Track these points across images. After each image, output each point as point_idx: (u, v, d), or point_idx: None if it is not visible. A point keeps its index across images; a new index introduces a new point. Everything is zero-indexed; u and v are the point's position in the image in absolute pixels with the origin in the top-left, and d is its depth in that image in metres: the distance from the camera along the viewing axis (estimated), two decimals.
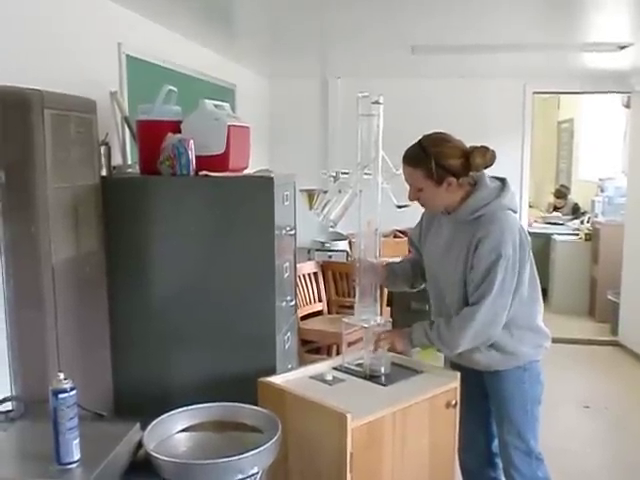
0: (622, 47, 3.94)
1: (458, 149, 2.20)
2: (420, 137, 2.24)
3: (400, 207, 2.46)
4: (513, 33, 3.70)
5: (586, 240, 6.84)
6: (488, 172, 2.27)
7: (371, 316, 2.43)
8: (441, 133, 2.24)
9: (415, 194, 2.27)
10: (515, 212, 2.28)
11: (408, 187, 2.27)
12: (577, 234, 7.05)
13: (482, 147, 2.19)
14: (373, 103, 2.30)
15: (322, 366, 2.49)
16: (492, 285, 2.15)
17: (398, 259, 2.68)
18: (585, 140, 8.38)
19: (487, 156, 2.18)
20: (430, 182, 2.20)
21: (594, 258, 6.63)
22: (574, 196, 8.20)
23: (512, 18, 3.30)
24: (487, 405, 2.46)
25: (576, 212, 7.84)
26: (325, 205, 2.38)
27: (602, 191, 7.00)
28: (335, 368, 2.45)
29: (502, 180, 2.29)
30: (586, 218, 7.22)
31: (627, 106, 5.80)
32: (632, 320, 5.59)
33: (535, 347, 2.35)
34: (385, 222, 2.40)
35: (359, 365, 2.43)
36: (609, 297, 6.05)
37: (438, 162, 2.17)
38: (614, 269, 5.88)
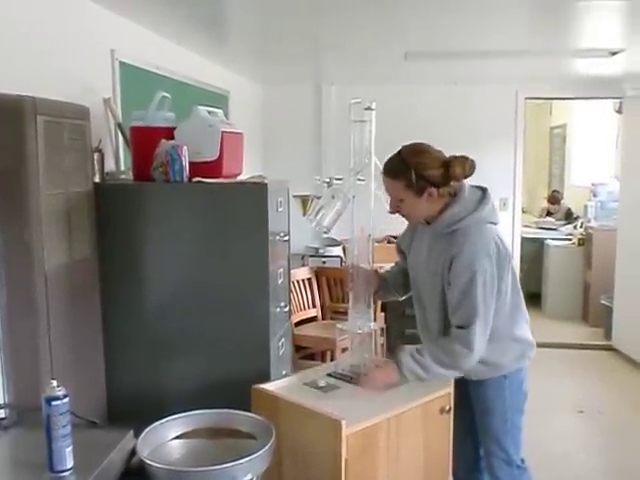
0: (613, 53, 3.96)
1: (437, 159, 2.19)
2: (399, 148, 2.24)
3: (392, 212, 2.46)
4: (505, 39, 3.72)
5: (579, 245, 6.86)
6: (470, 180, 2.25)
7: (365, 322, 2.42)
8: (420, 144, 2.24)
9: (396, 205, 2.27)
10: (495, 224, 2.25)
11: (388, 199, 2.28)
12: (570, 239, 7.07)
13: (461, 157, 2.18)
14: (366, 109, 2.31)
15: (315, 372, 2.49)
16: (476, 307, 2.13)
17: (391, 264, 2.67)
18: (577, 145, 8.42)
19: (466, 166, 2.17)
20: (411, 193, 2.20)
21: (587, 263, 6.65)
22: (567, 201, 8.23)
23: (504, 24, 3.32)
24: (473, 412, 2.46)
25: (569, 217, 7.87)
26: (319, 211, 2.37)
27: (595, 196, 7.03)
28: (329, 374, 2.45)
29: (483, 190, 2.28)
30: (579, 223, 7.25)
31: (619, 112, 5.83)
32: (625, 324, 5.61)
33: (518, 357, 2.34)
34: (378, 227, 2.40)
35: (353, 371, 2.42)
36: (602, 302, 6.07)
37: (418, 173, 2.16)
38: (607, 274, 5.90)
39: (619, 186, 5.99)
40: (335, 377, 2.42)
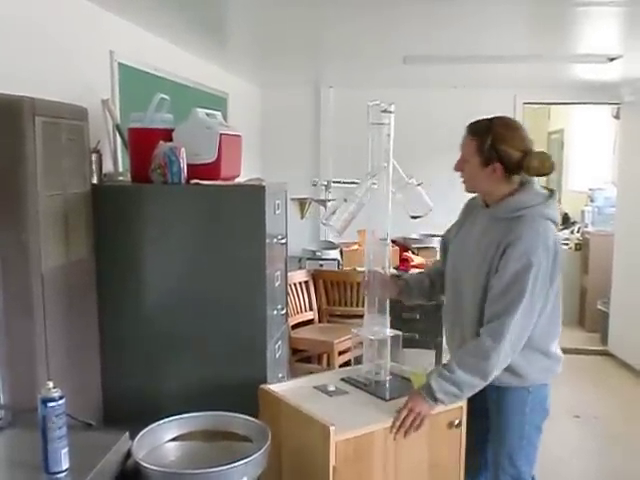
0: (611, 59, 3.97)
1: (521, 143, 2.09)
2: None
3: (414, 217, 2.43)
4: (504, 44, 3.72)
5: (576, 250, 6.86)
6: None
7: (380, 328, 2.39)
8: (516, 121, 2.17)
9: (460, 165, 2.17)
10: (555, 225, 2.13)
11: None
12: (567, 244, 7.07)
13: (545, 154, 2.09)
14: (383, 112, 2.27)
15: (330, 376, 2.47)
16: (521, 297, 1.98)
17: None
18: (575, 150, 8.43)
19: (545, 164, 2.07)
20: (478, 158, 2.10)
21: (584, 268, 6.65)
22: (564, 206, 8.24)
23: (503, 30, 3.33)
24: (487, 424, 2.32)
25: (566, 222, 7.86)
26: (333, 213, 2.33)
27: (592, 201, 7.04)
28: (343, 379, 2.43)
29: (551, 190, 2.18)
30: (576, 228, 7.25)
31: (617, 117, 5.84)
32: (622, 330, 5.62)
33: (544, 371, 2.20)
34: (380, 229, 2.37)
35: (367, 378, 2.38)
36: (599, 307, 6.07)
37: (494, 142, 2.07)
38: (604, 279, 5.90)
39: (616, 191, 6.00)
40: (349, 382, 2.40)
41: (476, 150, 2.11)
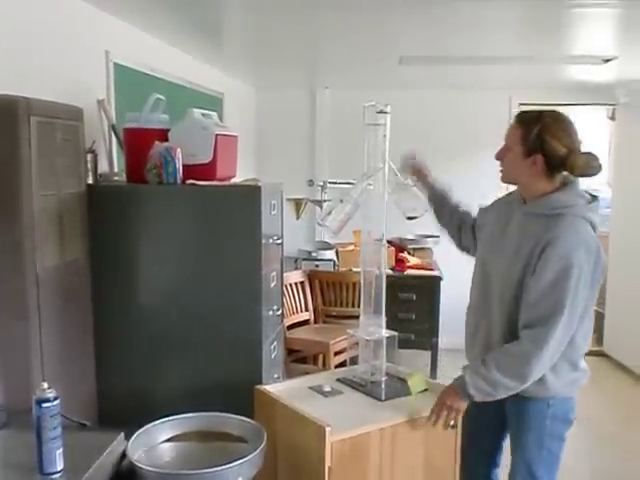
0: (606, 60, 3.98)
1: (568, 139, 2.00)
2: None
3: (410, 218, 2.43)
4: (499, 45, 3.73)
5: None
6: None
7: (376, 328, 2.39)
8: (566, 117, 2.05)
9: (502, 153, 2.10)
10: (595, 229, 2.02)
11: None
12: None
13: (592, 155, 2.00)
14: (378, 112, 2.27)
15: (326, 377, 2.47)
16: (563, 302, 1.90)
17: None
18: None
19: (590, 164, 1.98)
20: (520, 148, 2.02)
21: None
22: None
23: (498, 31, 3.33)
24: (498, 440, 2.30)
25: None
26: (329, 214, 2.33)
27: None
28: (339, 380, 2.43)
29: (594, 196, 2.07)
30: None
31: (612, 118, 5.86)
32: (617, 330, 5.64)
33: (569, 384, 2.11)
34: (375, 230, 2.37)
35: (362, 379, 2.39)
36: (594, 307, 6.07)
37: (541, 133, 1.98)
38: None
39: (611, 193, 6.01)
40: (344, 383, 2.40)
41: (520, 138, 2.02)
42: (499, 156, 2.13)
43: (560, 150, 1.98)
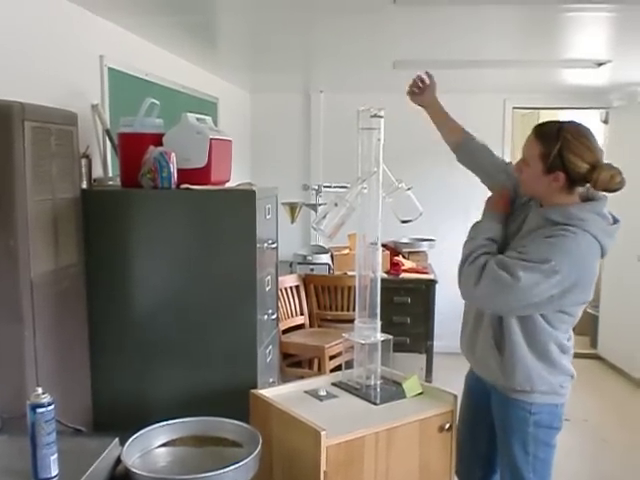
0: (600, 64, 4.00)
1: (591, 155, 1.94)
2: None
3: (404, 222, 2.43)
4: (493, 50, 3.74)
5: None
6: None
7: (371, 332, 2.40)
8: (587, 129, 1.99)
9: (519, 167, 2.06)
10: (602, 254, 1.98)
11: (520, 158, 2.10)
12: None
13: (616, 168, 1.94)
14: (372, 117, 2.28)
15: (320, 381, 2.48)
16: (532, 253, 1.90)
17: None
18: None
19: (615, 178, 1.91)
20: (540, 164, 1.96)
21: None
22: None
23: (493, 35, 3.34)
24: (492, 444, 2.24)
25: None
26: (324, 218, 2.33)
27: None
28: (334, 384, 2.43)
29: (616, 220, 2.02)
30: None
31: (605, 122, 5.88)
32: (611, 333, 5.65)
33: (550, 389, 2.14)
34: (370, 234, 2.38)
35: (358, 383, 2.40)
36: (588, 310, 6.09)
37: (562, 150, 1.92)
38: None
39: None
40: (340, 387, 2.40)
41: (540, 155, 1.97)
42: (517, 170, 2.11)
43: (582, 167, 1.94)
